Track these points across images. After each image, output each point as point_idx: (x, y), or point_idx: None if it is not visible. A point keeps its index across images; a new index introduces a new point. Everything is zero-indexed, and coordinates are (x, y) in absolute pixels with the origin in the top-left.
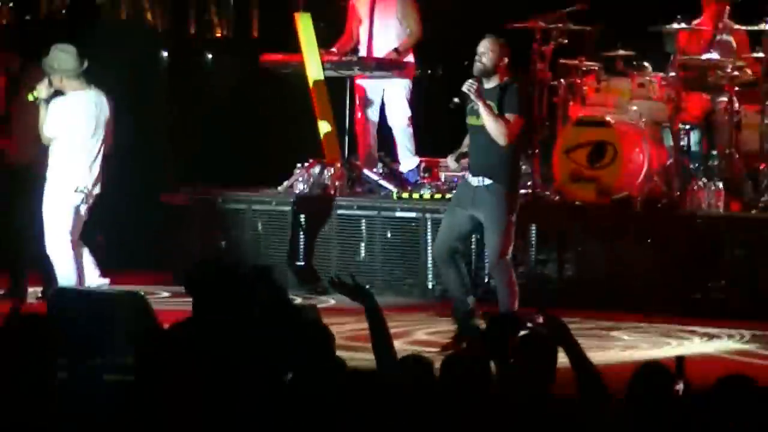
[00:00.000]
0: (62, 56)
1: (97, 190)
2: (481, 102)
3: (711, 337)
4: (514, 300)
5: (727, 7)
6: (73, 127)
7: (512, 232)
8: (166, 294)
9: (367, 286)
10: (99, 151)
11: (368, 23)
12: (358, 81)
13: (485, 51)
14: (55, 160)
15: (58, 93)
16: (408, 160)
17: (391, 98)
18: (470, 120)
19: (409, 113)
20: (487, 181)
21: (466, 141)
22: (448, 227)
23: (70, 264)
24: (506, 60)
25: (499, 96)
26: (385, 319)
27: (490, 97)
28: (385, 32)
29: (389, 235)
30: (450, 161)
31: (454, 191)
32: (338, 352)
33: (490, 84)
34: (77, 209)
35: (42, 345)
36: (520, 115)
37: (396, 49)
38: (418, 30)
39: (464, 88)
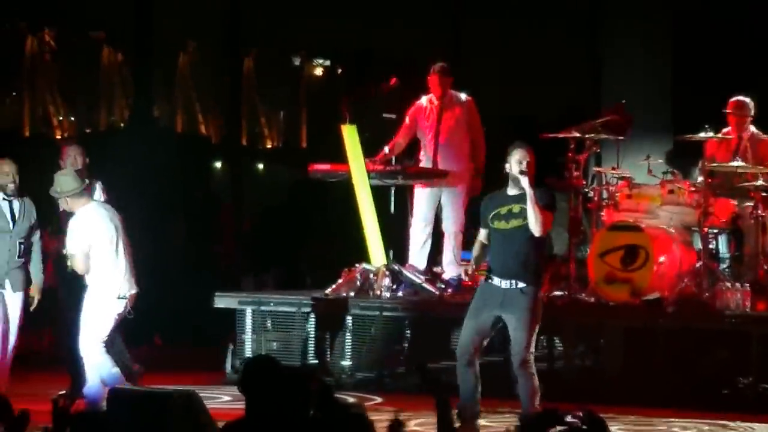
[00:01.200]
0: (62, 179)
1: (134, 291)
2: (532, 190)
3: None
4: (536, 399)
5: (748, 119)
6: (94, 238)
7: (537, 330)
8: (227, 398)
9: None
10: (125, 254)
11: (433, 134)
12: (416, 188)
13: (523, 158)
14: (90, 273)
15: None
16: (452, 267)
17: (446, 204)
18: (498, 224)
19: (462, 220)
20: (520, 284)
21: (476, 251)
22: (474, 329)
23: (110, 364)
24: (533, 164)
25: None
26: (453, 414)
27: (523, 200)
28: (451, 142)
29: (431, 334)
30: (465, 275)
31: (477, 293)
32: None
33: (521, 185)
34: (118, 315)
35: None
36: (551, 212)
37: (477, 170)
38: (483, 140)
39: (519, 173)
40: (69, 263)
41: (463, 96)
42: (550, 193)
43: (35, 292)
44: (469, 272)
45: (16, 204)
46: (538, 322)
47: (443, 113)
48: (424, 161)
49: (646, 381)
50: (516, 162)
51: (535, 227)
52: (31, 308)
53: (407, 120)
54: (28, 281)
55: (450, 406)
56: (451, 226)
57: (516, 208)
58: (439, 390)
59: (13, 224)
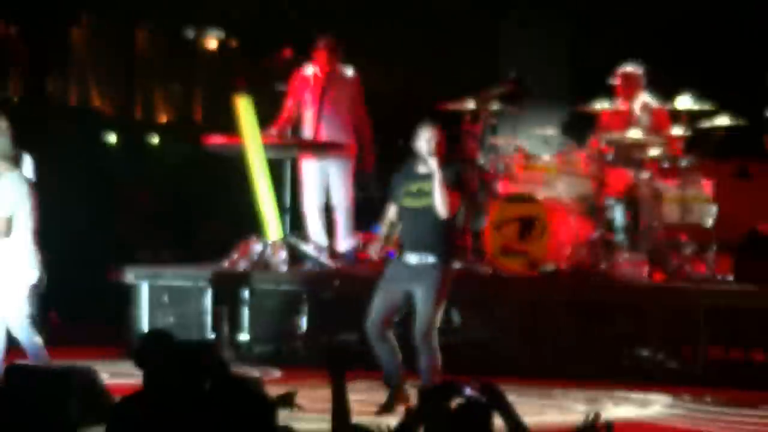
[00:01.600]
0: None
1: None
2: (439, 174)
3: (639, 402)
4: (437, 372)
5: (638, 89)
6: (13, 205)
7: (443, 306)
8: (119, 367)
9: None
10: (37, 227)
11: (316, 107)
12: (304, 161)
13: (432, 138)
14: (4, 242)
15: None
16: (347, 240)
17: (335, 177)
18: (407, 202)
19: (350, 192)
20: (430, 259)
21: (385, 228)
22: (383, 303)
23: (36, 337)
24: (443, 143)
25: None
26: (347, 391)
27: (430, 178)
28: (335, 117)
29: (329, 308)
30: (373, 252)
31: (387, 268)
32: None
33: (429, 165)
34: (31, 286)
35: None
36: (459, 192)
37: (365, 146)
38: (366, 116)
39: (428, 154)
40: None
41: (349, 71)
42: (458, 173)
43: None
44: (378, 249)
45: None
46: (444, 298)
47: (328, 87)
48: (306, 134)
49: (544, 352)
50: (425, 141)
51: (440, 210)
52: None
53: (292, 92)
54: None
55: (345, 387)
56: (341, 199)
57: (427, 187)
58: (335, 369)
59: None
